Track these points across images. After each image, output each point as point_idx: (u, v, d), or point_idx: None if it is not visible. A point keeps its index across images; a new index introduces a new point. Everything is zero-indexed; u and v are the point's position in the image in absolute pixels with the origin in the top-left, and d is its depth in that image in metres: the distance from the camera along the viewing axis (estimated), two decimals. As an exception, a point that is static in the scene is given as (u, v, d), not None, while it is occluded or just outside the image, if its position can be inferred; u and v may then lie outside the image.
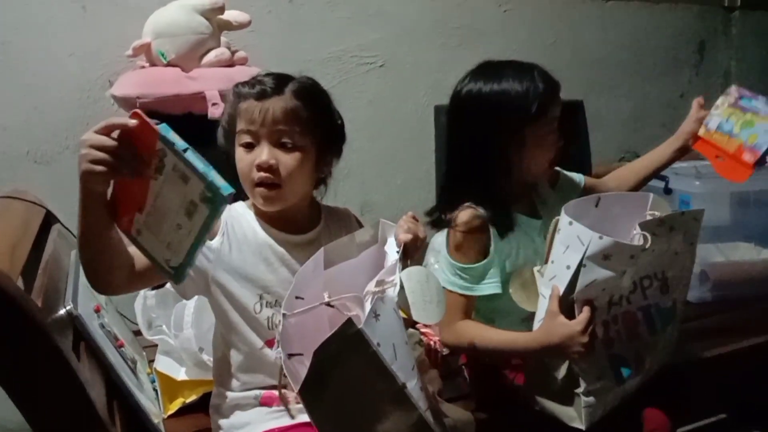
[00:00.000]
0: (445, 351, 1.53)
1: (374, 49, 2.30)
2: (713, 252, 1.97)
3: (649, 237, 1.12)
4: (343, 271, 1.05)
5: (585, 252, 1.10)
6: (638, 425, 1.25)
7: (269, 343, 1.12)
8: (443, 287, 1.08)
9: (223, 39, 1.85)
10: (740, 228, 2.02)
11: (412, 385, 0.91)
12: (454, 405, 1.34)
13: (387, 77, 2.33)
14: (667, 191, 1.90)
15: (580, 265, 1.11)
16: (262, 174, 1.10)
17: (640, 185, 1.54)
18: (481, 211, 1.28)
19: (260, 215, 1.17)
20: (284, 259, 1.15)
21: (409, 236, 1.04)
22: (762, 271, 1.96)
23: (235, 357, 1.15)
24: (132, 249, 0.97)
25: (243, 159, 1.12)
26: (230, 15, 1.83)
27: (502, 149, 1.26)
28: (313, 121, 1.14)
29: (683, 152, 1.52)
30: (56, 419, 0.95)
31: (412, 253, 1.04)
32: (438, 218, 1.35)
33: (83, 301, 1.23)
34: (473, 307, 1.32)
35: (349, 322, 0.87)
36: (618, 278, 1.14)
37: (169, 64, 1.76)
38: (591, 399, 1.18)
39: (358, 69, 2.29)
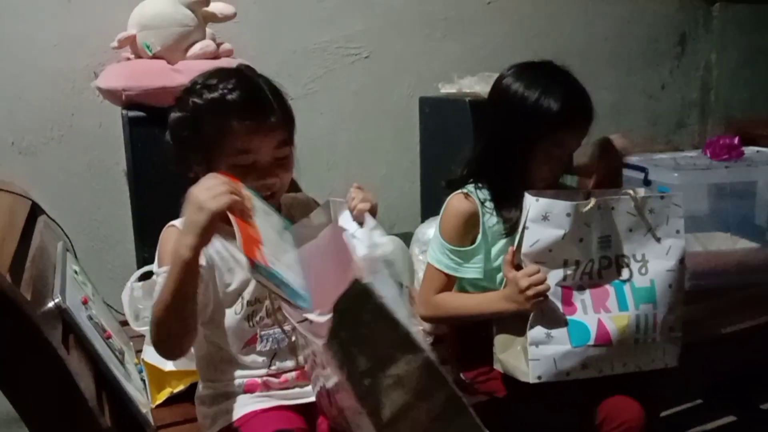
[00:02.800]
0: (430, 339, 1.56)
1: (359, 40, 2.31)
2: (691, 242, 2.00)
3: (593, 200, 1.25)
4: (311, 253, 1.07)
5: (527, 215, 1.24)
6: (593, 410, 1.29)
7: (251, 341, 1.15)
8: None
9: (208, 31, 1.85)
10: (717, 218, 2.06)
11: (414, 330, 0.96)
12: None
13: (372, 68, 2.34)
14: (647, 182, 1.93)
15: (524, 227, 1.25)
16: (265, 193, 1.10)
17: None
18: (473, 197, 1.35)
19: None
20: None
21: (368, 204, 1.06)
22: (738, 261, 1.99)
23: (218, 355, 1.17)
24: None
25: (238, 175, 1.07)
26: (215, 7, 1.83)
27: (520, 150, 1.31)
28: (291, 124, 1.15)
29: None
30: (46, 410, 0.97)
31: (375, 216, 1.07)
32: (454, 182, 1.40)
33: (71, 292, 1.25)
34: (452, 287, 1.38)
35: (357, 280, 0.91)
36: (562, 239, 1.24)
37: (154, 56, 1.76)
38: (538, 350, 1.23)
39: (343, 60, 2.30)
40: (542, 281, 1.22)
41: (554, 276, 1.25)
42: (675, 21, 2.95)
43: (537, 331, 1.24)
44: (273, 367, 1.16)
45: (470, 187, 1.38)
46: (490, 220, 1.36)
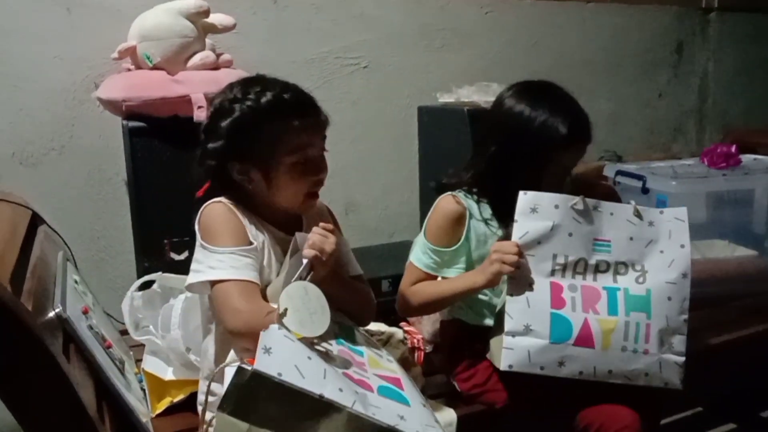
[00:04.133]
0: (428, 348, 1.57)
1: (358, 50, 2.33)
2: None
3: (584, 200, 1.28)
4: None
5: (517, 209, 1.27)
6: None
7: None
8: (411, 262, 1.30)
9: (208, 42, 1.86)
10: (715, 226, 2.06)
11: (329, 390, 0.91)
12: (437, 402, 1.38)
13: (371, 79, 2.36)
14: (645, 191, 1.94)
15: (513, 220, 1.28)
16: (317, 188, 1.17)
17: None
18: (462, 201, 1.37)
19: (261, 215, 1.19)
20: (278, 255, 1.18)
21: (312, 252, 1.07)
22: (736, 268, 2.00)
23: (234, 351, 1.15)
24: None
25: (297, 172, 1.14)
26: (215, 18, 1.85)
27: (522, 169, 1.33)
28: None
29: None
30: (47, 420, 0.97)
31: (318, 268, 1.08)
32: (446, 186, 1.42)
33: (71, 302, 1.25)
34: None
35: (240, 370, 0.88)
36: (550, 232, 1.26)
37: (154, 67, 1.77)
38: (514, 341, 1.24)
39: (342, 70, 2.31)
40: (511, 251, 1.24)
41: (543, 268, 1.27)
42: (672, 30, 2.97)
43: (516, 322, 1.24)
44: None
45: (461, 192, 1.39)
46: (477, 226, 1.38)
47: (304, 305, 1.00)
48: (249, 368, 0.88)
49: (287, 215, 1.21)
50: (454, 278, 1.38)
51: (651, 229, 1.30)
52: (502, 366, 1.24)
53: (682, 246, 1.30)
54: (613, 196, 1.56)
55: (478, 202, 1.39)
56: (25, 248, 1.30)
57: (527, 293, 1.26)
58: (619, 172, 2.07)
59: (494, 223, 1.38)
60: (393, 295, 1.51)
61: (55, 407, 0.97)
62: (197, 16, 1.80)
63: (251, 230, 1.16)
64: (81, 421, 0.98)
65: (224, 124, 1.15)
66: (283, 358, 0.92)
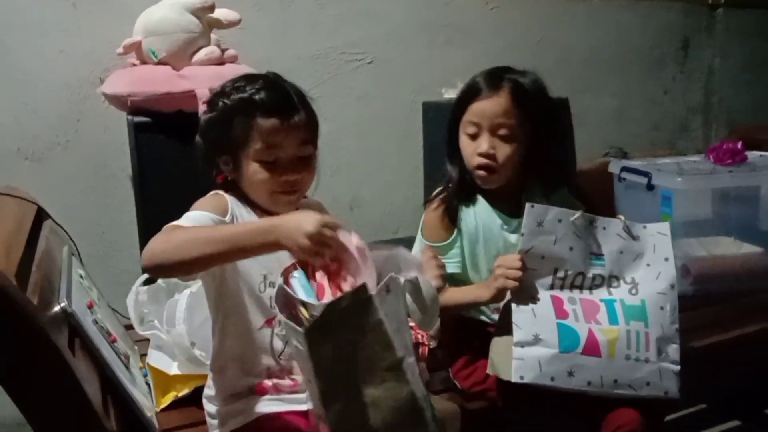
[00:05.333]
0: (433, 344, 1.57)
1: (363, 46, 2.32)
2: (695, 246, 2.01)
3: (583, 215, 1.29)
4: None
5: (524, 222, 1.27)
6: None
7: (269, 323, 1.15)
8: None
9: (213, 37, 1.86)
10: (721, 223, 2.06)
11: (409, 362, 0.96)
12: (440, 397, 1.38)
13: (375, 74, 2.35)
14: (650, 187, 1.94)
15: (521, 234, 1.29)
16: (287, 188, 1.16)
17: None
18: (448, 191, 1.41)
19: (260, 209, 1.19)
20: None
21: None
22: (742, 265, 2.00)
23: (232, 344, 1.17)
24: None
25: (263, 172, 1.15)
26: (220, 13, 1.85)
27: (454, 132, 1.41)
28: (315, 126, 1.21)
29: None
30: (53, 414, 0.97)
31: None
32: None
33: (77, 297, 1.25)
34: None
35: (364, 286, 0.93)
36: (553, 246, 1.28)
37: (159, 63, 1.77)
38: (523, 351, 1.23)
39: (346, 66, 2.31)
40: (514, 266, 1.25)
41: (544, 282, 1.28)
42: (678, 26, 2.96)
43: (525, 332, 1.24)
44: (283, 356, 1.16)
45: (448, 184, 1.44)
46: (468, 219, 1.40)
47: (429, 302, 1.09)
48: (369, 292, 0.93)
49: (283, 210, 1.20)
50: (460, 290, 1.38)
51: (637, 243, 1.32)
52: (514, 378, 1.23)
53: (666, 259, 1.32)
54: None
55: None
56: (31, 243, 1.30)
57: (531, 305, 1.26)
58: (625, 169, 2.06)
59: (480, 208, 1.41)
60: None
61: (60, 401, 0.97)
62: (202, 12, 1.80)
63: (243, 217, 1.17)
64: (86, 415, 0.99)
65: (204, 118, 1.20)
66: (393, 308, 0.96)
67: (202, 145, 1.21)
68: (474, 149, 1.36)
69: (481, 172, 1.37)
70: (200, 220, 1.08)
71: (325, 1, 2.25)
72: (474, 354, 1.39)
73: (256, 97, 1.15)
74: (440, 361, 1.53)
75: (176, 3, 1.78)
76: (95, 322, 1.29)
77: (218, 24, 1.85)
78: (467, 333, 1.44)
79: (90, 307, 1.32)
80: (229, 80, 1.22)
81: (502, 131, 1.34)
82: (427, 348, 1.55)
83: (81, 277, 1.43)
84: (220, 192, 1.20)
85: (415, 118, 2.34)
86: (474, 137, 1.37)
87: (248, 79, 1.20)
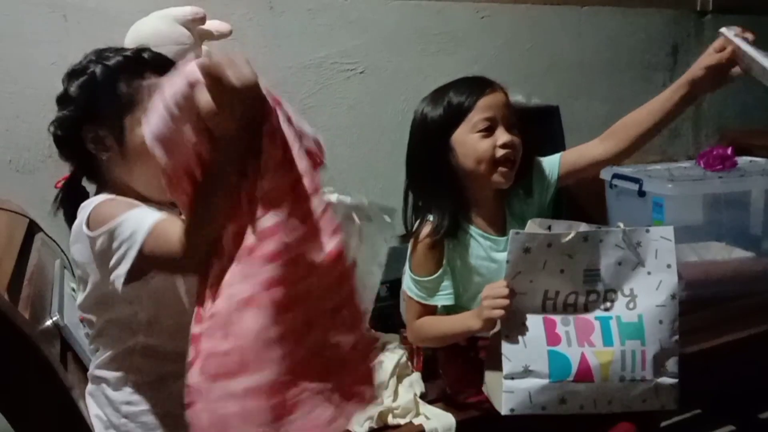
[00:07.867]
0: (428, 353, 1.56)
1: (354, 55, 2.33)
2: (686, 252, 2.01)
3: (574, 232, 1.24)
4: None
5: (509, 249, 1.24)
6: None
7: None
8: None
9: (204, 48, 1.86)
10: (712, 228, 2.07)
11: None
12: (436, 407, 1.38)
13: (367, 84, 2.35)
14: (641, 194, 1.95)
15: (507, 260, 1.25)
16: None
17: (642, 139, 1.44)
18: (434, 226, 1.36)
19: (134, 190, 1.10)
20: None
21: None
22: (734, 270, 2.00)
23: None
24: None
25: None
26: (211, 25, 1.85)
27: (436, 159, 1.36)
28: None
29: (689, 101, 1.40)
30: (45, 429, 0.97)
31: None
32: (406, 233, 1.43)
33: (69, 310, 1.25)
34: (433, 312, 1.40)
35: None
36: (542, 270, 1.24)
37: (150, 74, 1.77)
38: (514, 383, 1.22)
39: (338, 76, 2.31)
40: (501, 294, 1.22)
41: (534, 306, 1.26)
42: (667, 33, 2.98)
43: (514, 365, 1.22)
44: None
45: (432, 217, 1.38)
46: (456, 245, 1.37)
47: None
48: None
49: None
50: (452, 319, 1.36)
51: (638, 251, 1.28)
52: (504, 410, 1.23)
53: (669, 266, 1.28)
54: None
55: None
56: (22, 256, 1.30)
57: (522, 334, 1.24)
58: (615, 175, 2.07)
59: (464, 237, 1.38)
60: (390, 300, 1.51)
61: (53, 416, 0.97)
62: (193, 23, 1.80)
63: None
64: (77, 429, 0.98)
65: (74, 86, 1.09)
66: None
67: (64, 123, 1.10)
68: (491, 144, 1.30)
69: (504, 169, 1.31)
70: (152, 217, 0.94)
71: (316, 10, 2.25)
72: (469, 364, 1.39)
73: (144, 54, 1.06)
74: (435, 371, 1.53)
75: (167, 15, 1.78)
76: (87, 335, 1.28)
77: (209, 35, 1.85)
78: (462, 343, 1.43)
79: (82, 320, 1.31)
80: (89, 53, 1.11)
81: (513, 122, 1.32)
82: (422, 357, 1.55)
83: (73, 290, 1.43)
84: (105, 194, 1.08)
85: (406, 127, 2.33)
86: (488, 133, 1.31)
87: (111, 48, 1.10)
